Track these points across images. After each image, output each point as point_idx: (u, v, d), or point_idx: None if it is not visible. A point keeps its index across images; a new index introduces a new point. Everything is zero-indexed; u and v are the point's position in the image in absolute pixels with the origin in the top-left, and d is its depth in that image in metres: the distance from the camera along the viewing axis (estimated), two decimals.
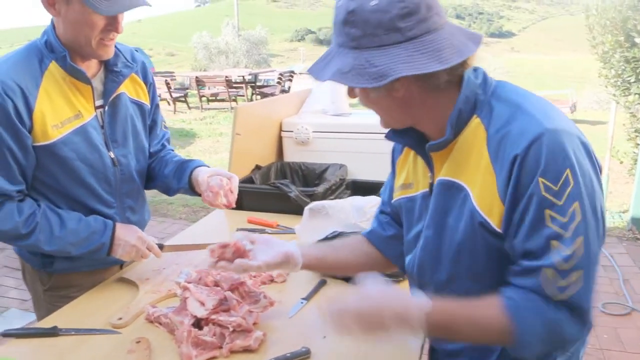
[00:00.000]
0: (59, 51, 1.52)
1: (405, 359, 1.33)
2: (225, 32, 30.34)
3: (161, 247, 1.74)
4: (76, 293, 1.67)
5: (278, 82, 16.03)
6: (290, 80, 16.04)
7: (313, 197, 2.34)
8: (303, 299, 1.60)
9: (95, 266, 1.76)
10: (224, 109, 15.50)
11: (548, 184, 0.95)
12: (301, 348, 1.32)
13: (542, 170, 0.95)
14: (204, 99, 16.14)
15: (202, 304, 1.41)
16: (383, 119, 1.15)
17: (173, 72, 18.46)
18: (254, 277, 1.70)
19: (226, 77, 15.71)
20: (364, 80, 0.99)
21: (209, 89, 16.32)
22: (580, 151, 0.98)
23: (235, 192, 1.75)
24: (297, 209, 2.23)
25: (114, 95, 1.67)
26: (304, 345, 1.33)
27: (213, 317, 1.37)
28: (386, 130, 1.21)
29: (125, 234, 1.66)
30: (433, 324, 1.03)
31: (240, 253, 1.35)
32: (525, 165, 0.96)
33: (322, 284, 1.69)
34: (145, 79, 1.81)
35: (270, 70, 20.82)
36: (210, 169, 1.80)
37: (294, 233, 2.04)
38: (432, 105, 1.08)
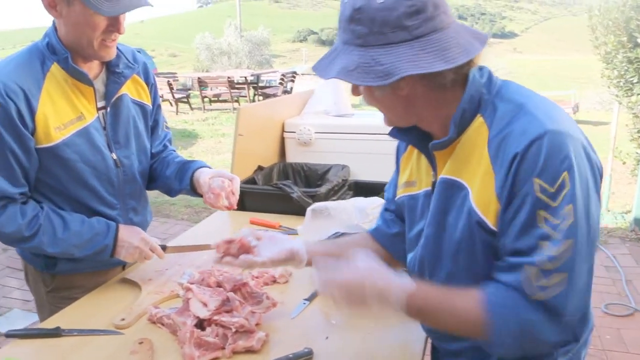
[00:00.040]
0: (60, 53, 1.53)
1: (409, 359, 1.33)
2: (227, 33, 30.33)
3: (164, 248, 1.74)
4: (79, 294, 1.67)
5: (280, 83, 16.04)
6: (293, 81, 16.05)
7: (315, 197, 2.34)
8: (305, 299, 1.60)
9: (98, 267, 1.77)
10: (226, 109, 15.52)
11: (544, 185, 0.95)
12: (303, 349, 1.32)
13: (539, 170, 0.95)
14: (206, 99, 16.15)
15: (205, 304, 1.41)
16: (387, 117, 1.16)
17: (175, 73, 18.48)
18: (257, 278, 1.70)
19: (228, 77, 15.71)
20: (369, 79, 0.98)
21: (211, 89, 16.33)
22: (582, 156, 0.98)
23: (237, 193, 1.75)
24: (299, 210, 2.23)
25: (116, 96, 1.68)
26: (307, 346, 1.33)
27: (215, 317, 1.37)
28: (389, 130, 1.21)
29: (129, 235, 1.66)
30: (412, 307, 1.06)
31: (245, 249, 1.36)
32: (523, 164, 0.96)
33: None
34: (146, 79, 1.81)
35: (273, 71, 20.84)
36: (212, 170, 1.80)
37: (297, 234, 2.04)
38: (436, 104, 1.08)
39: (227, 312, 1.40)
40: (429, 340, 1.40)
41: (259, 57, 30.15)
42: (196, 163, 1.84)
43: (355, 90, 1.12)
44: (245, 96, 16.01)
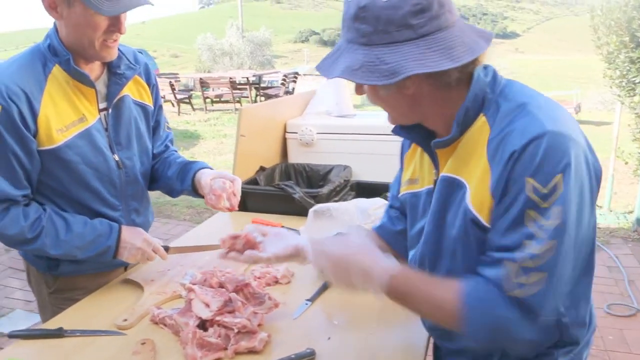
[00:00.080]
0: (62, 55, 1.53)
1: (411, 358, 1.33)
2: (229, 34, 30.34)
3: (166, 249, 1.74)
4: (81, 295, 1.67)
5: (282, 84, 16.04)
6: (295, 82, 16.04)
7: (317, 198, 2.34)
8: (307, 300, 1.60)
9: (100, 269, 1.77)
10: (228, 110, 15.52)
11: (536, 185, 0.94)
12: (306, 349, 1.32)
13: (534, 170, 0.94)
14: (208, 100, 16.15)
15: (207, 305, 1.41)
16: (391, 116, 1.16)
17: (177, 74, 18.49)
18: (259, 278, 1.70)
19: (230, 78, 15.71)
20: (374, 78, 0.98)
21: (213, 90, 16.34)
22: (581, 161, 0.97)
23: (238, 195, 1.75)
24: (301, 211, 2.23)
25: (118, 97, 1.68)
26: (309, 346, 1.33)
27: (218, 318, 1.38)
28: (391, 130, 1.21)
29: (131, 236, 1.66)
30: (393, 289, 1.09)
31: (250, 245, 1.37)
32: (519, 162, 0.95)
33: (326, 285, 1.69)
34: (148, 80, 1.81)
35: (274, 72, 20.83)
36: (213, 171, 1.80)
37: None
38: (441, 102, 1.08)
39: (230, 312, 1.41)
40: (431, 340, 1.40)
41: (260, 58, 30.16)
42: (197, 164, 1.84)
43: (359, 90, 1.12)
44: (247, 97, 16.01)
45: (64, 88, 1.55)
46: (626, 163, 5.95)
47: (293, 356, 1.29)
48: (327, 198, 2.38)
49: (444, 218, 1.12)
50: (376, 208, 1.97)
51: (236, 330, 1.34)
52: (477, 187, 1.04)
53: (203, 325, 1.39)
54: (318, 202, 2.26)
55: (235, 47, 28.73)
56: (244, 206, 2.43)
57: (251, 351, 1.33)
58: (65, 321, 1.50)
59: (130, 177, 1.74)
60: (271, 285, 1.72)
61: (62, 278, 1.74)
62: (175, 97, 15.12)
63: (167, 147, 1.96)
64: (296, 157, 3.20)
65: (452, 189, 1.10)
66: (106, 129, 1.67)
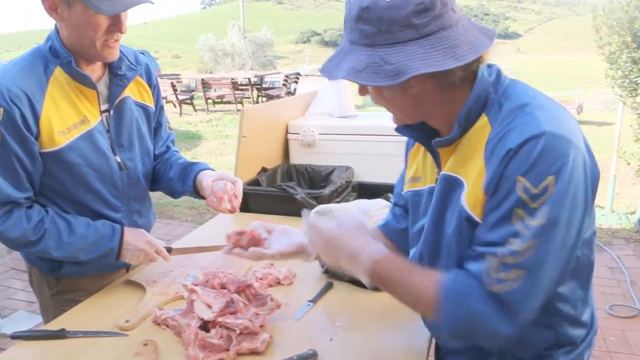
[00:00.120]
0: (64, 56, 1.52)
1: (413, 359, 1.33)
2: (231, 34, 30.39)
3: (169, 250, 1.74)
4: (83, 297, 1.67)
5: (284, 84, 16.06)
6: (296, 82, 16.06)
7: (319, 199, 2.34)
8: (309, 301, 1.60)
9: (102, 270, 1.77)
10: (229, 111, 15.55)
11: (527, 184, 0.94)
12: (308, 350, 1.32)
13: (527, 169, 0.94)
14: (209, 101, 16.19)
15: (209, 306, 1.41)
16: (395, 116, 1.16)
17: (179, 75, 18.55)
18: (261, 279, 1.70)
19: (232, 79, 15.74)
20: (378, 79, 0.98)
21: (214, 91, 16.37)
22: (578, 165, 0.95)
23: (240, 196, 1.75)
24: None
25: (119, 99, 1.68)
26: (311, 347, 1.33)
27: (220, 319, 1.38)
28: (394, 128, 1.21)
29: (134, 238, 1.66)
30: (376, 274, 1.10)
31: (255, 241, 1.38)
32: (514, 160, 0.95)
33: (328, 286, 1.69)
34: (149, 81, 1.81)
35: (276, 72, 20.88)
36: (215, 172, 1.79)
37: None
38: (445, 101, 1.07)
39: (232, 313, 1.41)
40: (434, 340, 1.40)
41: (262, 59, 30.22)
42: (199, 165, 1.84)
43: (362, 90, 1.12)
44: (249, 97, 16.04)
45: (65, 90, 1.55)
46: (628, 164, 5.94)
47: (295, 357, 1.29)
48: (329, 199, 2.38)
49: (443, 216, 1.12)
50: (378, 209, 1.97)
51: (238, 332, 1.34)
52: (472, 185, 1.03)
53: (205, 326, 1.39)
54: (320, 203, 2.26)
55: (237, 48, 28.78)
56: (245, 207, 2.43)
57: (253, 352, 1.33)
58: (67, 322, 1.50)
59: (132, 179, 1.74)
60: (273, 286, 1.72)
61: (65, 279, 1.74)
62: (177, 98, 15.15)
63: (168, 147, 1.96)
64: (298, 158, 3.20)
65: (451, 187, 1.10)
66: (108, 131, 1.67)
